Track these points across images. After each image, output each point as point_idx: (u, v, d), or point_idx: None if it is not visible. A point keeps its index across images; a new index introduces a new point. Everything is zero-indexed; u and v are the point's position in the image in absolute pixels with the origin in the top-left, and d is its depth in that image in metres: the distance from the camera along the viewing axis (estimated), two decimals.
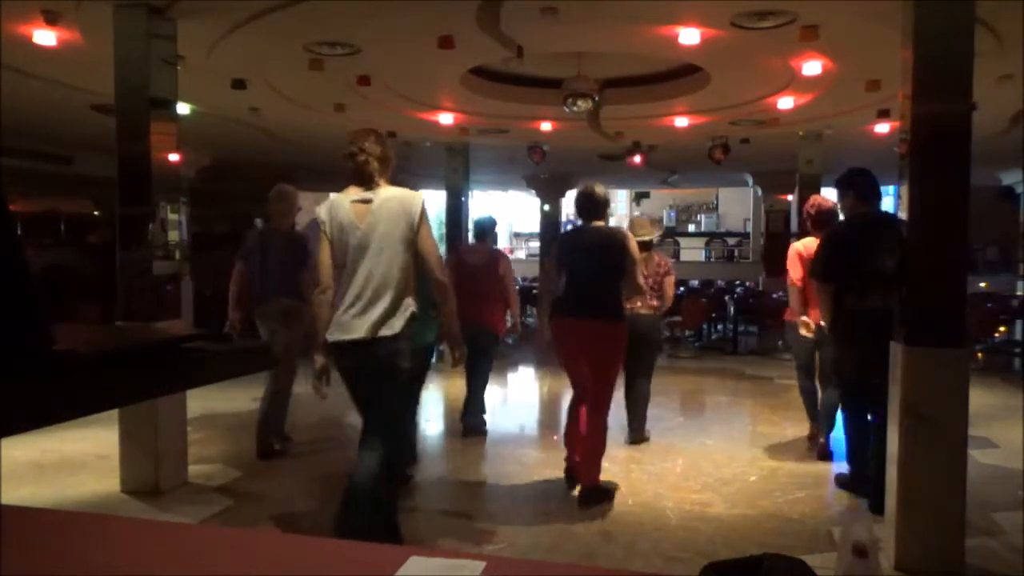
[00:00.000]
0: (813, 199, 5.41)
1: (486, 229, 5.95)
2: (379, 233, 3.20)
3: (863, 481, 4.38)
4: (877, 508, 3.88)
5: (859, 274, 4.25)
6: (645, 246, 5.35)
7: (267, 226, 5.49)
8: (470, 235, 10.21)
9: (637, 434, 5.67)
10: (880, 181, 4.60)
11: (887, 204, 5.82)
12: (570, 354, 4.49)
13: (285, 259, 5.15)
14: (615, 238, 4.44)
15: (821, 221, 5.12)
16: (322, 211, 3.31)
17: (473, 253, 5.85)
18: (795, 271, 5.19)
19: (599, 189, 4.57)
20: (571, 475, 4.59)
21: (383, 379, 3.30)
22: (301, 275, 4.99)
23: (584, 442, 4.41)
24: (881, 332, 3.82)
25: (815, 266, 4.51)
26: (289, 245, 5.21)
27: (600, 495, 4.36)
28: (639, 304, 5.14)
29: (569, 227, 21.72)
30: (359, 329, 3.20)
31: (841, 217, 4.78)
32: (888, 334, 3.74)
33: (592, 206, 4.53)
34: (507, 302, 5.75)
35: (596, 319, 4.29)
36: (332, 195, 3.41)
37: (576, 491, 4.44)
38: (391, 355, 3.23)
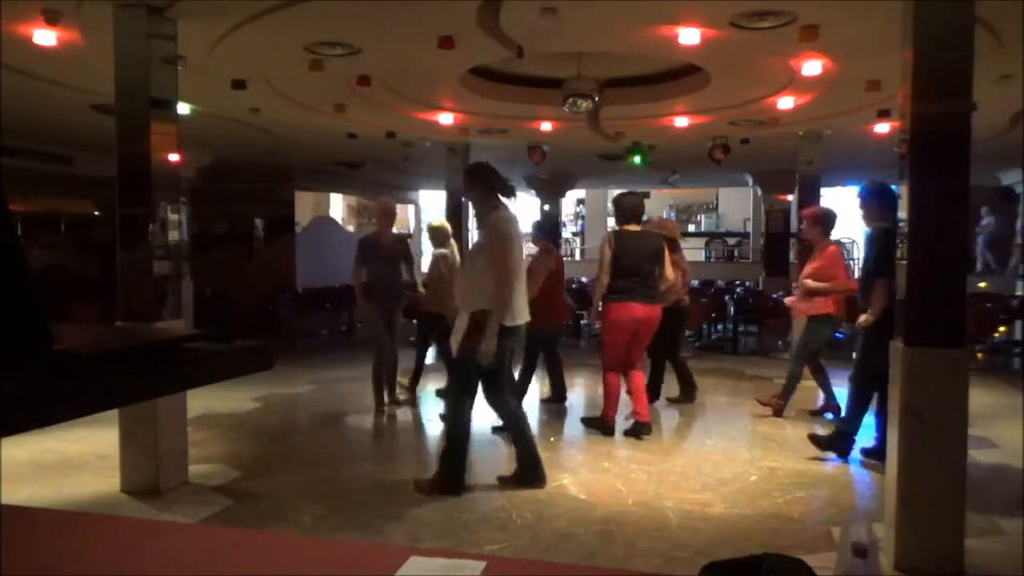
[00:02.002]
0: (813, 207, 6.63)
1: (554, 229, 7.34)
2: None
3: (848, 438, 5.24)
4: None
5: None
6: (675, 245, 6.57)
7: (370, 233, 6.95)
8: (470, 236, 10.25)
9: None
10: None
11: None
12: (625, 331, 5.65)
13: (388, 259, 6.53)
14: (656, 238, 5.77)
15: (826, 223, 6.26)
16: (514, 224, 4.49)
17: (549, 253, 6.77)
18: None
19: (642, 200, 5.98)
20: (606, 423, 5.85)
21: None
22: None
23: (637, 392, 5.80)
24: None
25: (875, 267, 5.08)
26: (391, 247, 6.60)
27: (648, 428, 5.83)
28: (675, 299, 6.30)
29: (568, 225, 21.89)
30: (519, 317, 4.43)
31: (864, 225, 5.35)
32: None
33: (638, 212, 5.83)
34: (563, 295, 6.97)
35: (648, 303, 5.60)
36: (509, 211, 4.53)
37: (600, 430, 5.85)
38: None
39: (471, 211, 10.61)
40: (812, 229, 6.31)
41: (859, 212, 5.22)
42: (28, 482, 4.70)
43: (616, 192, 7.27)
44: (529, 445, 4.68)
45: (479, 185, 4.49)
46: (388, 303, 6.59)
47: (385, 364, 6.80)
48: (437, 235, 7.32)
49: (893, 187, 5.00)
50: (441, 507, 4.35)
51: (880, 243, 5.04)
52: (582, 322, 12.30)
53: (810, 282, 6.12)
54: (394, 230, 7.30)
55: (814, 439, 5.32)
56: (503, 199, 4.52)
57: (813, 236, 6.33)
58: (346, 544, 1.41)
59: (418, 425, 6.90)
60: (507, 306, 4.29)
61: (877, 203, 5.04)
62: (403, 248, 6.81)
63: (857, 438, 5.24)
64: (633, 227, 5.72)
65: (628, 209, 5.79)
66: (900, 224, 3.73)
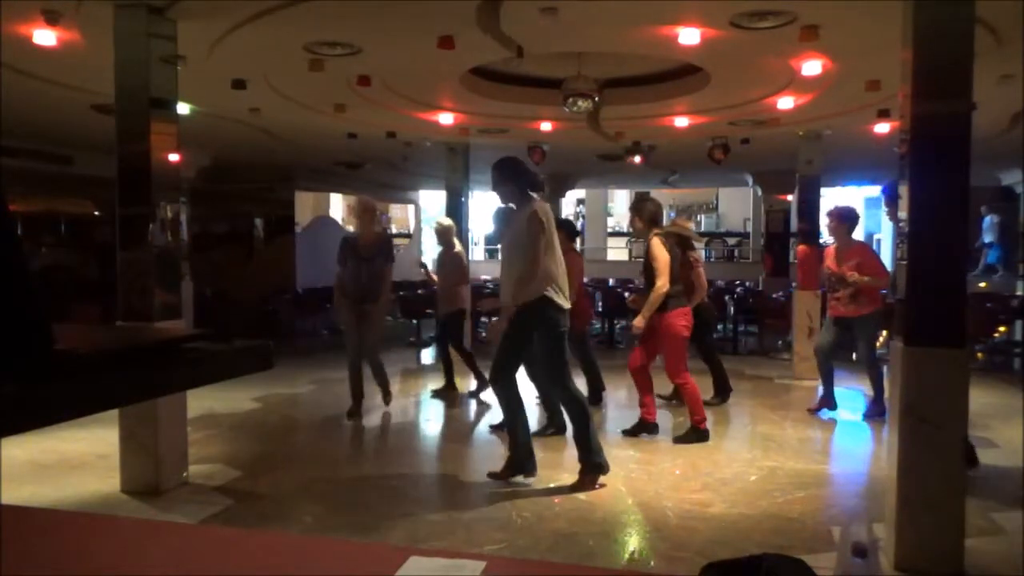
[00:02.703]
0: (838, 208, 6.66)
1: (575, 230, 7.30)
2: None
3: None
4: None
5: None
6: (691, 244, 6.74)
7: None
8: (469, 235, 10.24)
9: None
10: (880, 181, 4.89)
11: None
12: (687, 334, 5.77)
13: (367, 259, 6.36)
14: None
15: (853, 221, 6.43)
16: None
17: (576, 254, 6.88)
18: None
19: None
20: (703, 429, 5.74)
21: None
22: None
23: (651, 392, 5.91)
24: None
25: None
26: (370, 247, 6.41)
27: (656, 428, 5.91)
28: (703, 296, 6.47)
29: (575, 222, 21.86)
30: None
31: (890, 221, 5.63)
32: None
33: (660, 216, 5.98)
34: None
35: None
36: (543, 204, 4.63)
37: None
38: None
39: (470, 212, 10.68)
40: (839, 228, 6.42)
41: (885, 210, 5.25)
42: (28, 482, 4.70)
43: (616, 192, 7.32)
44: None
45: (512, 179, 4.60)
46: (364, 304, 6.32)
47: (371, 367, 6.55)
48: (446, 234, 7.36)
49: None
50: (441, 507, 4.35)
51: None
52: (633, 324, 12.26)
53: (855, 275, 6.15)
54: (394, 229, 7.31)
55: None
56: (532, 193, 4.63)
57: (839, 235, 6.45)
58: (346, 544, 1.41)
59: (418, 425, 6.90)
60: (563, 289, 4.45)
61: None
62: (384, 248, 6.55)
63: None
64: (658, 230, 5.76)
65: (656, 213, 5.84)
66: (901, 224, 3.73)
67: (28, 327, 0.71)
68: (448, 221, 7.59)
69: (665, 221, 9.73)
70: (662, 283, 5.47)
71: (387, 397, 6.79)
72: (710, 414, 6.88)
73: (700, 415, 5.72)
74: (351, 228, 16.28)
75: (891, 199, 5.30)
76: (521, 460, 4.68)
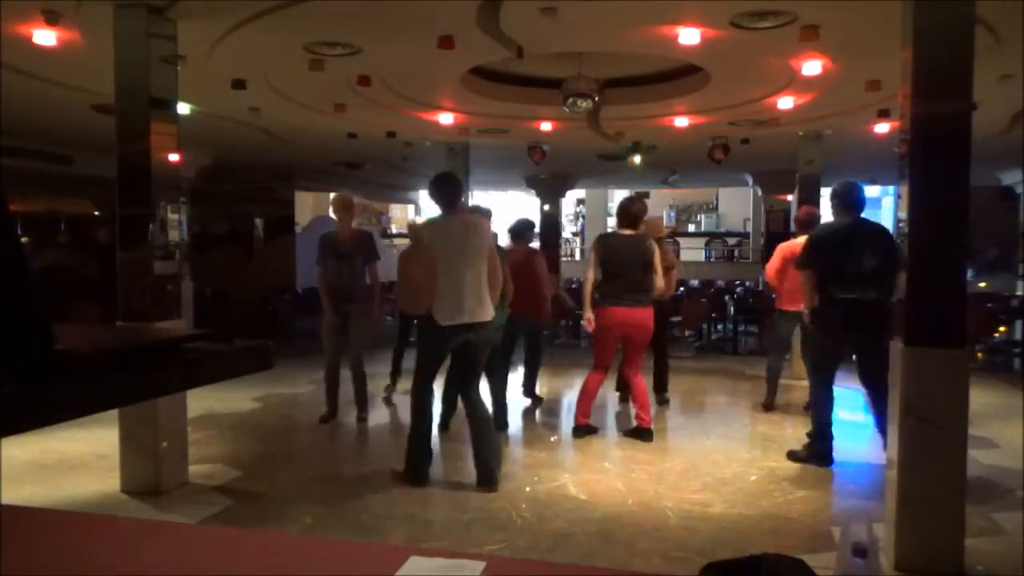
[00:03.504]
0: (803, 208, 6.92)
1: (523, 231, 6.91)
2: (472, 245, 4.52)
3: (821, 440, 5.18)
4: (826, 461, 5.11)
5: (835, 269, 4.95)
6: (660, 243, 6.36)
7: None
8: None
9: (663, 396, 6.97)
10: (880, 181, 4.88)
11: (888, 204, 6.28)
12: (608, 335, 5.66)
13: (346, 256, 6.07)
14: (646, 242, 5.64)
15: (805, 223, 6.45)
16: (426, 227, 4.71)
17: (514, 252, 6.47)
18: (770, 266, 6.67)
19: (641, 203, 5.97)
20: (582, 428, 5.82)
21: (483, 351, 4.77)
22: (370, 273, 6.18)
23: (639, 396, 5.73)
24: (856, 320, 4.79)
25: (799, 259, 5.27)
26: (348, 244, 6.10)
27: (650, 434, 5.72)
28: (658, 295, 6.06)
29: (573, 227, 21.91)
30: (467, 315, 4.48)
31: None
32: (861, 321, 4.74)
33: (632, 216, 5.74)
34: (544, 292, 6.75)
35: (632, 306, 5.51)
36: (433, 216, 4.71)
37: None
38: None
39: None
40: (800, 230, 6.62)
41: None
42: (28, 482, 4.70)
43: (616, 192, 7.28)
44: (488, 448, 4.68)
45: (433, 196, 4.76)
46: (345, 305, 6.00)
47: (351, 374, 6.18)
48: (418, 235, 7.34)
49: (859, 186, 5.13)
50: (441, 507, 4.35)
51: (810, 238, 5.23)
52: (582, 322, 12.29)
53: (768, 266, 6.76)
54: (394, 229, 7.27)
55: (793, 456, 5.26)
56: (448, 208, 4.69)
57: (803, 235, 6.50)
58: (346, 544, 1.41)
59: None
60: (438, 305, 4.46)
61: (837, 202, 5.12)
62: (364, 245, 6.16)
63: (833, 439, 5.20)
64: (626, 231, 5.69)
65: (621, 212, 5.84)
66: (900, 224, 3.73)
67: (28, 327, 0.71)
68: (422, 222, 7.57)
69: (665, 222, 9.59)
70: (587, 276, 5.65)
71: (363, 411, 6.31)
72: (707, 414, 6.89)
73: (581, 412, 5.79)
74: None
75: (832, 200, 5.16)
76: (412, 466, 4.71)
